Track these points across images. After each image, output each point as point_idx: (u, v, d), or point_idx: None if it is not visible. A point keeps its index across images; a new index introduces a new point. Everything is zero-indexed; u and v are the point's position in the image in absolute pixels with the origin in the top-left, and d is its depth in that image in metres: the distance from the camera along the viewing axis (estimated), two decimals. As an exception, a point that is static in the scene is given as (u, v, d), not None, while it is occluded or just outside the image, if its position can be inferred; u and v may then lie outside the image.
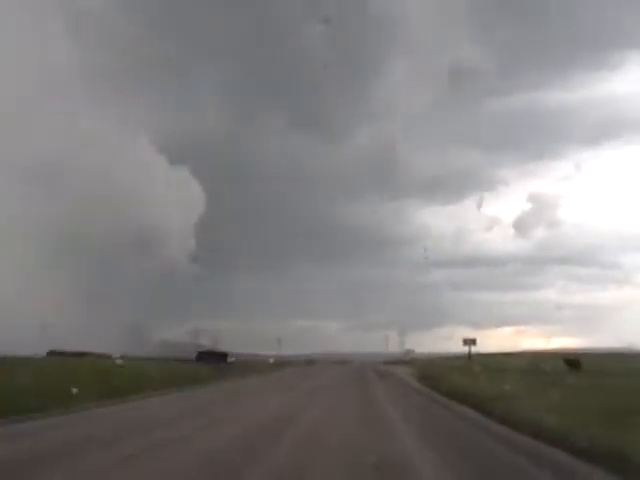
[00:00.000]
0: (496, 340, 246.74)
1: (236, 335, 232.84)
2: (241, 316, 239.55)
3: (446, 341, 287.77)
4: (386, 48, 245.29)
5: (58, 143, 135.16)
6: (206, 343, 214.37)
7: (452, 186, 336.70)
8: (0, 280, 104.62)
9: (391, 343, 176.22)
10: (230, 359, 71.27)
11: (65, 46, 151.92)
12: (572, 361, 54.40)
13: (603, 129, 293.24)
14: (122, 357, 67.89)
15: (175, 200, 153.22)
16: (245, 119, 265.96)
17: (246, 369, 60.31)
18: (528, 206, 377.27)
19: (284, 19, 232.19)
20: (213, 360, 64.85)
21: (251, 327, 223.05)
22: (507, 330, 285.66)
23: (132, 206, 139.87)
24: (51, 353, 77.67)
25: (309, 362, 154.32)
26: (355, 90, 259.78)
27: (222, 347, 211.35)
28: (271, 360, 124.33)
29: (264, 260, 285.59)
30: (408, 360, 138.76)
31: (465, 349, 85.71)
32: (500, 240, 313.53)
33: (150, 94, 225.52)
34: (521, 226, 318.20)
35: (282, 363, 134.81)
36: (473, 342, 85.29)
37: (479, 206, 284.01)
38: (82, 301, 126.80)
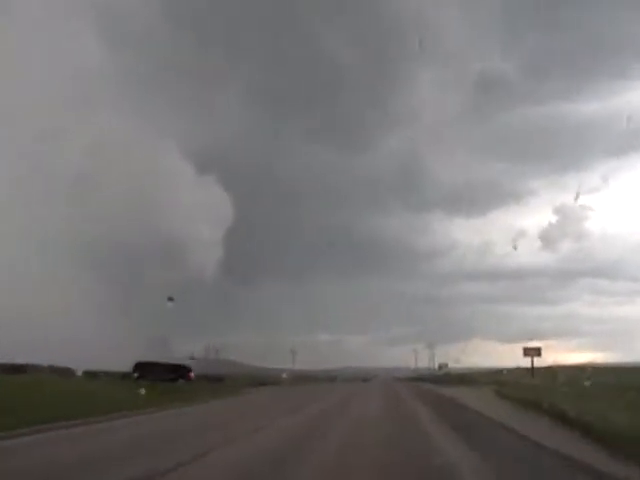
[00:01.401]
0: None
1: (257, 348, 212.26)
2: (264, 329, 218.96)
3: (473, 355, 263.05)
4: (411, 56, 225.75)
5: (85, 151, 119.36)
6: (226, 357, 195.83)
7: (478, 197, 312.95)
8: (16, 289, 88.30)
9: (419, 357, 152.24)
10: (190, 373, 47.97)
11: (96, 48, 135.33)
12: None
13: (631, 139, 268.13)
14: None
15: (202, 211, 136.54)
16: (269, 130, 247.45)
17: (219, 388, 39.48)
18: (555, 218, 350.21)
19: (307, 27, 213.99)
20: (162, 375, 41.84)
21: (273, 340, 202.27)
22: (535, 344, 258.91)
23: (159, 216, 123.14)
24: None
25: (331, 378, 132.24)
26: (379, 99, 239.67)
27: (241, 360, 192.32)
28: (284, 375, 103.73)
29: (289, 272, 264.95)
30: (442, 375, 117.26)
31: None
32: (527, 253, 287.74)
33: (177, 102, 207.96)
34: (548, 238, 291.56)
35: (301, 378, 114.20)
36: (537, 352, 62.57)
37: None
38: (102, 313, 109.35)
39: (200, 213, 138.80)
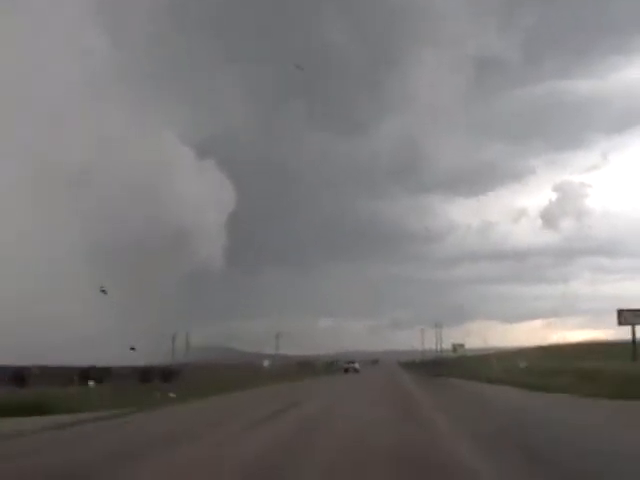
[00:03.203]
0: (526, 333, 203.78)
1: (257, 335, 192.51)
2: (265, 315, 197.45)
3: (477, 336, 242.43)
4: (409, 38, 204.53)
5: (85, 139, 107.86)
6: (225, 344, 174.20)
7: (477, 178, 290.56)
8: (22, 286, 78.37)
9: (425, 339, 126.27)
10: None
11: (96, 34, 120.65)
12: None
13: (630, 116, 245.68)
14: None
15: (205, 197, 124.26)
16: (267, 114, 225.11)
17: None
18: (555, 197, 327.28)
19: (305, 12, 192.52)
20: None
21: (272, 326, 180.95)
22: (537, 323, 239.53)
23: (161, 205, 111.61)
24: None
25: (329, 365, 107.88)
26: (377, 82, 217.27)
27: (240, 347, 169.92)
28: (266, 363, 78.34)
29: (290, 258, 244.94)
30: (457, 359, 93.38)
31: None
32: (528, 232, 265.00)
33: (178, 91, 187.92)
34: (548, 217, 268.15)
35: (294, 366, 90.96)
36: (643, 317, 36.98)
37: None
38: (108, 306, 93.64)
39: (202, 202, 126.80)
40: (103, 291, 22.85)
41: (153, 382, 50.64)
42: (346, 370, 73.00)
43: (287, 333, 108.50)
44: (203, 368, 76.08)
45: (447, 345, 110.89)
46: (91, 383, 34.13)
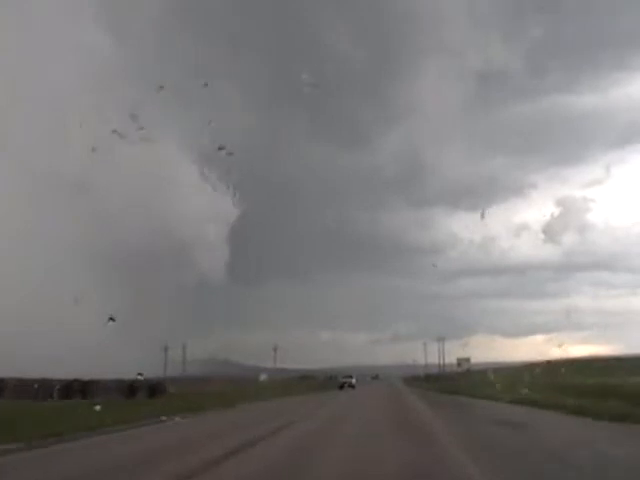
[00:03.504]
0: (528, 348, 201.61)
1: (256, 347, 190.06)
2: (264, 328, 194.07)
3: (478, 350, 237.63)
4: (412, 49, 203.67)
5: (90, 153, 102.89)
6: (224, 357, 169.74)
7: (479, 192, 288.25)
8: (21, 299, 77.68)
9: (420, 353, 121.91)
10: None
11: (103, 44, 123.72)
12: None
13: (632, 131, 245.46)
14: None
15: (207, 210, 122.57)
16: (268, 127, 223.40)
17: None
18: (557, 211, 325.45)
19: (308, 22, 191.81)
20: None
21: (272, 339, 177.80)
22: (538, 338, 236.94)
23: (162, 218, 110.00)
24: None
25: (330, 378, 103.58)
26: (380, 94, 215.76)
27: (238, 360, 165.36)
28: (262, 377, 73.97)
29: (291, 271, 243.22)
30: (463, 373, 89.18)
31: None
32: (530, 246, 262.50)
33: (178, 100, 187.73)
34: (550, 232, 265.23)
35: (291, 380, 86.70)
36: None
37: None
38: (105, 319, 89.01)
39: (203, 214, 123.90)
40: (111, 319, 23.74)
41: (137, 397, 46.28)
42: (341, 386, 67.18)
43: (286, 346, 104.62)
44: (195, 382, 71.81)
45: (448, 359, 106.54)
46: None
